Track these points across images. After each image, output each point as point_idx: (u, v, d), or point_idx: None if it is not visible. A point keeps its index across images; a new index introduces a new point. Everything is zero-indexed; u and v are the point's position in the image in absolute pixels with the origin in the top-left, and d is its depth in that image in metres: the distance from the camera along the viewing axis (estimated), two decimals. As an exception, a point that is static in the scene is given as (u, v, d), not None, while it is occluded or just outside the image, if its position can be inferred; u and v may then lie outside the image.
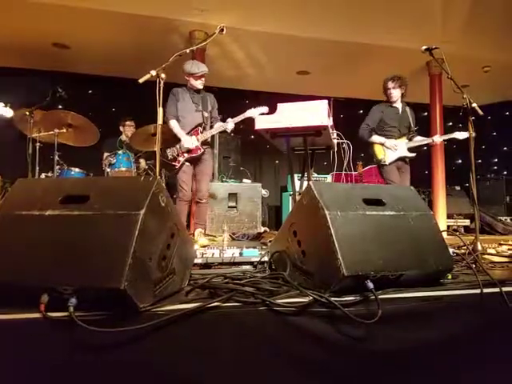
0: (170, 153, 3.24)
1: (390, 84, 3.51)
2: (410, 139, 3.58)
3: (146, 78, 1.97)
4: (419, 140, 3.56)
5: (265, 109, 2.87)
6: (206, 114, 3.28)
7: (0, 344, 0.86)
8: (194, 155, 3.22)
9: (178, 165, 3.23)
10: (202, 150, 3.24)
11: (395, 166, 3.54)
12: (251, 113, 2.92)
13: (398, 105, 3.60)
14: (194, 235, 2.91)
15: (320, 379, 1.01)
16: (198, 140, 3.21)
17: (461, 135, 3.47)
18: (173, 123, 3.21)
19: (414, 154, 3.57)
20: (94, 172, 4.02)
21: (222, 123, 3.22)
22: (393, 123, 3.55)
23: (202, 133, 3.24)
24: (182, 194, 3.27)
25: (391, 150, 3.49)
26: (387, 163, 3.49)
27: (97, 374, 0.88)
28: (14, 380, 0.86)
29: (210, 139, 3.36)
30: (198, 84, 3.27)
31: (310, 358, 1.01)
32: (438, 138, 3.52)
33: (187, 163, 3.26)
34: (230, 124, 3.11)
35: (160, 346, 0.91)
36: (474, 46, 5.36)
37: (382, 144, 3.51)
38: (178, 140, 3.20)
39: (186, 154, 3.22)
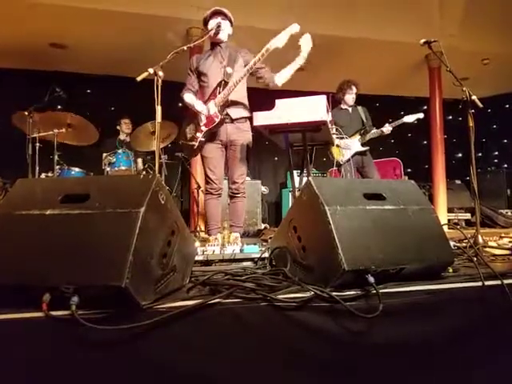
0: (188, 132, 2.57)
1: (347, 88, 3.73)
2: (363, 134, 3.67)
3: (144, 76, 1.96)
4: (372, 133, 3.64)
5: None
6: (229, 71, 2.41)
7: (3, 343, 0.86)
8: (211, 126, 2.42)
9: (196, 143, 2.48)
10: (220, 118, 2.39)
11: (353, 163, 3.61)
12: None
13: (349, 106, 3.80)
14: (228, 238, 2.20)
15: (321, 374, 1.02)
16: (215, 104, 2.39)
17: (410, 118, 3.55)
18: (184, 96, 2.54)
19: (367, 148, 3.67)
20: (93, 171, 4.02)
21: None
22: (345, 124, 3.66)
23: (219, 93, 2.39)
24: (208, 186, 2.55)
25: (345, 148, 3.58)
26: (344, 161, 3.56)
27: (99, 372, 0.89)
28: (18, 379, 0.87)
29: (247, 109, 2.53)
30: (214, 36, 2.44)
31: (311, 353, 1.01)
32: (387, 128, 3.59)
33: (213, 144, 2.50)
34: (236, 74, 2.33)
35: (162, 343, 0.92)
36: (472, 38, 5.34)
37: (337, 145, 3.57)
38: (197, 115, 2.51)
39: (203, 128, 2.44)
